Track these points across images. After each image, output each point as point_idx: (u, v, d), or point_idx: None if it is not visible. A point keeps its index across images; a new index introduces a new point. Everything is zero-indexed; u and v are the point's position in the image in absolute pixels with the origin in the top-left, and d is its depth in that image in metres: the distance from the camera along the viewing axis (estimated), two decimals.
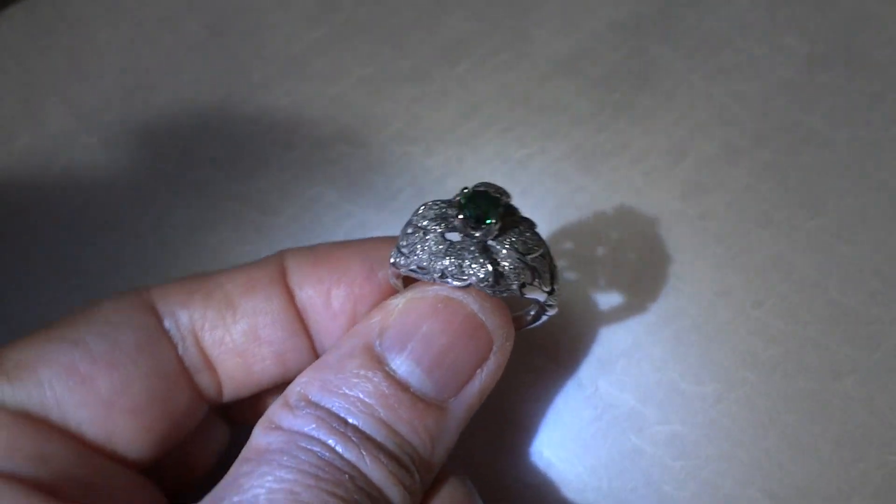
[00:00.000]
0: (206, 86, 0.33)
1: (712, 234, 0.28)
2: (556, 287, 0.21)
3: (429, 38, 0.32)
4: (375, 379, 0.21)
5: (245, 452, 0.20)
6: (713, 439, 0.26)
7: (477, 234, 0.20)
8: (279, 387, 0.24)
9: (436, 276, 0.20)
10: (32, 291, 0.31)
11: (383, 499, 0.20)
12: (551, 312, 0.22)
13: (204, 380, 0.23)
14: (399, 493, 0.20)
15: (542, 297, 0.21)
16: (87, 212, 0.32)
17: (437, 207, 0.21)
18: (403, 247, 0.21)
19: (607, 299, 0.28)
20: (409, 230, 0.21)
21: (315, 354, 0.24)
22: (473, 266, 0.20)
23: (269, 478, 0.19)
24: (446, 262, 0.20)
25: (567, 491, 0.26)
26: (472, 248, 0.20)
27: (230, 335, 0.23)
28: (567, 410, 0.27)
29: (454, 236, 0.21)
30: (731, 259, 0.28)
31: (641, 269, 0.28)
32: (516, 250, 0.20)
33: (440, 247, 0.21)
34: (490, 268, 0.20)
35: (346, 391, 0.20)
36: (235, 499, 0.19)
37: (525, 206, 0.29)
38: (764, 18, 0.31)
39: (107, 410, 0.21)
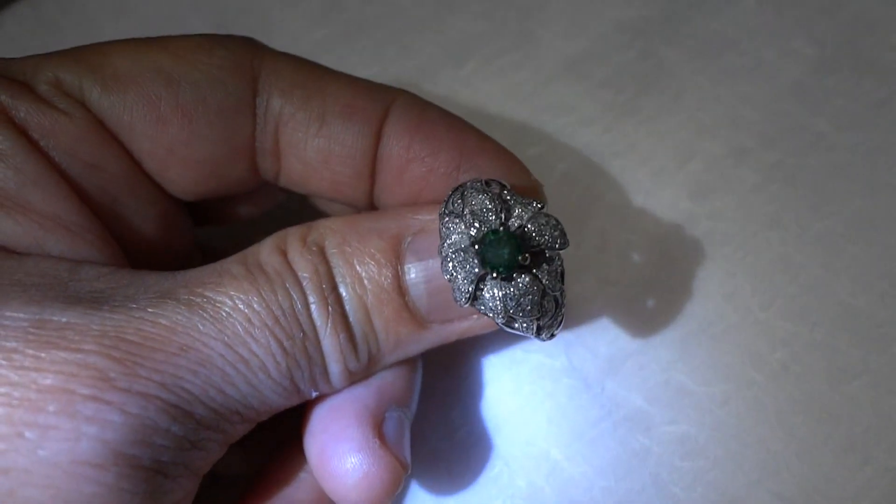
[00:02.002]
0: None
1: (720, 235, 0.28)
2: (545, 336, 0.21)
3: (435, 38, 0.32)
4: (384, 270, 0.21)
5: (248, 252, 0.21)
6: (721, 440, 0.26)
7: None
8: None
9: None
10: None
11: (322, 365, 0.21)
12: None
13: (266, 162, 0.23)
14: (339, 369, 0.21)
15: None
16: None
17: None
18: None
19: (615, 300, 0.28)
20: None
21: (370, 199, 0.24)
22: (462, 284, 0.20)
23: (242, 297, 0.20)
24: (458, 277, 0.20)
25: (575, 490, 0.26)
26: (473, 269, 0.20)
27: (305, 144, 0.23)
28: (575, 410, 0.27)
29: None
30: (738, 260, 0.28)
31: (649, 270, 0.28)
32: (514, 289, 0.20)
33: (458, 247, 0.20)
34: (469, 290, 0.20)
35: (355, 262, 0.21)
36: (209, 293, 0.20)
37: None
38: (771, 21, 0.31)
39: (167, 153, 0.22)
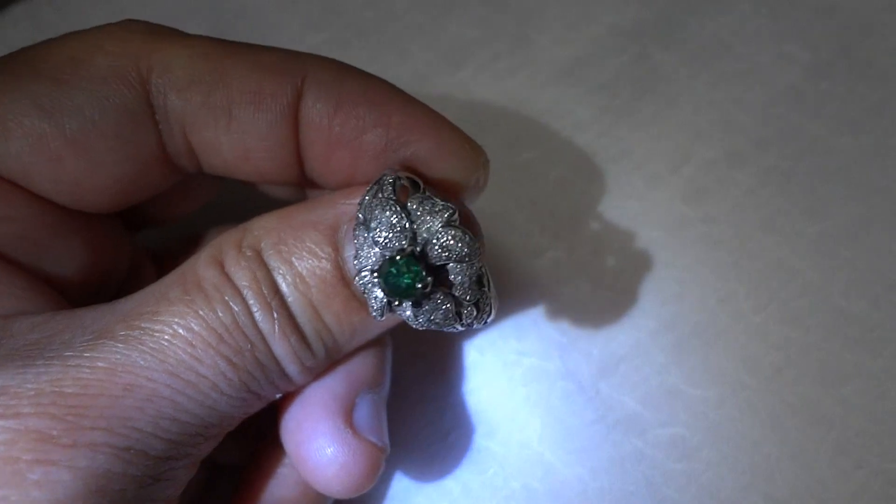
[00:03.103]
0: None
1: (714, 239, 0.28)
2: (478, 326, 0.21)
3: (431, 43, 0.32)
4: (324, 263, 0.20)
5: (186, 269, 0.20)
6: (714, 443, 0.26)
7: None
8: None
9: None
10: None
11: (278, 370, 0.20)
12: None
13: (183, 161, 0.22)
14: (296, 369, 0.21)
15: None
16: None
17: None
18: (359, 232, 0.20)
19: (609, 304, 0.28)
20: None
21: (302, 179, 0.22)
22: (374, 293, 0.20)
23: (179, 321, 0.19)
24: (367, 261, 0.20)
25: (569, 493, 0.26)
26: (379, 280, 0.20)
27: (218, 142, 0.21)
28: (569, 413, 0.27)
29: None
30: (733, 264, 0.28)
31: (643, 274, 0.28)
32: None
33: (368, 259, 0.20)
34: (380, 303, 0.20)
35: (294, 260, 0.20)
36: (145, 325, 0.19)
37: (525, 211, 0.29)
38: (766, 26, 0.31)
39: (74, 188, 0.20)
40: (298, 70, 0.21)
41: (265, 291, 0.20)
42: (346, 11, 0.33)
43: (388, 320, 0.21)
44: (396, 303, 0.20)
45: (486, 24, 0.32)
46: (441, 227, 0.19)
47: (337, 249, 0.20)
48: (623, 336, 0.27)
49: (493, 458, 0.27)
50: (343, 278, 0.20)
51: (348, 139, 0.21)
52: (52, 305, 0.21)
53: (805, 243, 0.28)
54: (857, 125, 0.29)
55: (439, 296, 0.20)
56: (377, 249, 0.19)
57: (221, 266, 0.20)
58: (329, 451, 0.21)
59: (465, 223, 0.20)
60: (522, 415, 0.27)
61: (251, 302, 0.20)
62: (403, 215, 0.19)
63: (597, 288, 0.28)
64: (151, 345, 0.19)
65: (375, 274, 0.20)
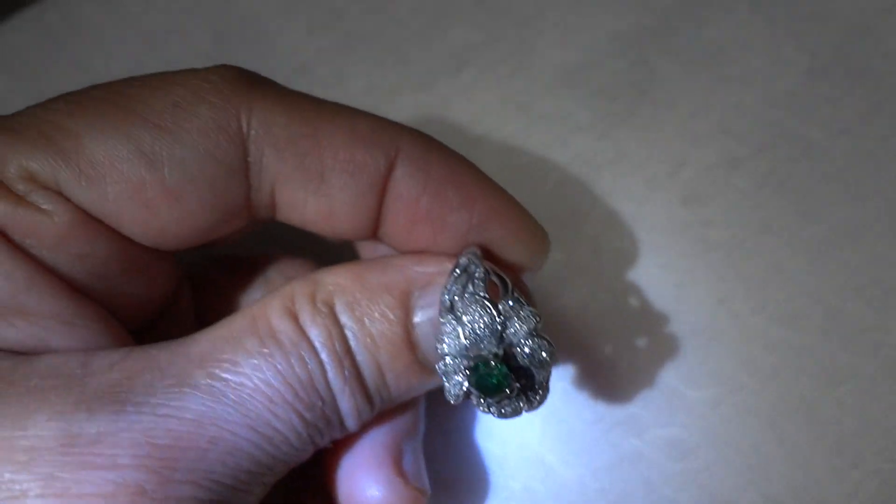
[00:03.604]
0: None
1: (712, 242, 0.29)
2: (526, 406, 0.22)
3: (433, 47, 0.33)
4: (395, 328, 0.21)
5: (257, 316, 0.21)
6: (712, 443, 0.26)
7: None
8: None
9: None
10: None
11: (339, 422, 0.22)
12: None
13: (262, 213, 0.22)
14: (354, 422, 0.22)
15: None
16: None
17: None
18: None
19: (608, 306, 0.28)
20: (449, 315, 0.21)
21: (374, 238, 0.23)
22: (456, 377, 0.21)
23: (260, 376, 0.20)
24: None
25: (569, 493, 0.27)
26: (463, 370, 0.21)
27: (304, 203, 0.22)
28: (568, 414, 0.27)
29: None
30: (730, 266, 0.28)
31: (641, 276, 0.28)
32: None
33: (454, 348, 0.21)
34: (461, 393, 0.21)
35: (366, 322, 0.21)
36: (226, 376, 0.20)
37: None
38: (763, 30, 0.32)
39: (157, 233, 0.21)
40: (392, 142, 0.21)
41: (338, 349, 0.21)
42: (348, 17, 0.34)
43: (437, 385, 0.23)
44: (474, 395, 0.21)
45: (487, 30, 0.33)
46: (528, 333, 0.21)
47: (408, 314, 0.22)
48: (622, 337, 0.28)
49: (492, 458, 0.27)
50: (409, 342, 0.22)
51: (433, 217, 0.22)
52: (119, 337, 0.21)
53: (802, 245, 0.28)
54: (853, 129, 0.29)
55: (515, 392, 0.21)
56: (465, 342, 0.21)
57: (296, 319, 0.21)
58: (381, 498, 0.23)
59: (524, 295, 0.21)
60: (522, 416, 0.27)
61: (325, 359, 0.21)
62: (496, 316, 0.21)
63: (595, 290, 0.29)
64: (233, 397, 0.20)
65: (455, 365, 0.21)
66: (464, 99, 0.32)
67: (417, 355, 0.22)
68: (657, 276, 0.28)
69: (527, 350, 0.21)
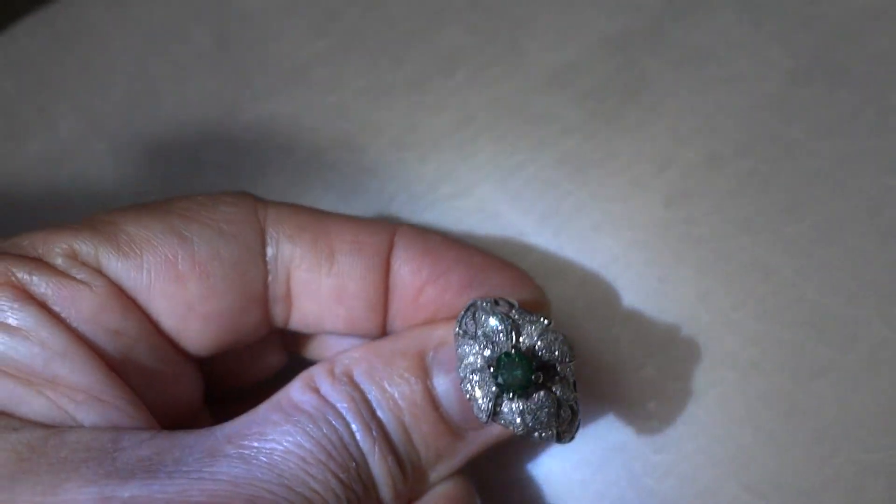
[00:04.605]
0: (211, 93, 0.34)
1: (695, 239, 0.29)
2: (564, 440, 0.22)
3: (425, 49, 0.33)
4: (415, 387, 0.22)
5: (280, 398, 0.22)
6: (693, 435, 0.27)
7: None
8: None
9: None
10: None
11: (375, 494, 0.22)
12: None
13: (278, 308, 0.24)
14: (389, 493, 0.22)
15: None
16: (94, 214, 0.33)
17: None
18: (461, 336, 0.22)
19: (593, 301, 0.29)
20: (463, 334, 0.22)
21: (383, 330, 0.24)
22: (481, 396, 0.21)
23: (290, 439, 0.20)
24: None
25: (553, 483, 0.27)
26: (490, 387, 0.21)
27: (318, 284, 0.23)
28: None
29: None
30: (712, 263, 0.29)
31: (626, 272, 0.29)
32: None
33: (475, 367, 0.22)
34: (489, 407, 0.21)
35: (386, 385, 0.22)
36: (256, 444, 0.20)
37: (515, 211, 0.30)
38: (749, 34, 0.32)
39: (186, 310, 0.22)
40: (390, 228, 0.24)
41: (363, 412, 0.21)
42: (345, 18, 0.35)
43: (475, 444, 0.23)
44: (502, 405, 0.21)
45: (479, 32, 0.33)
46: (541, 332, 0.22)
47: (426, 374, 0.22)
48: (606, 331, 0.29)
49: None
50: (432, 401, 0.22)
51: (437, 277, 0.23)
52: (149, 424, 0.22)
53: (782, 243, 0.29)
54: (835, 130, 0.30)
55: (544, 394, 0.21)
56: (484, 352, 0.21)
57: (317, 391, 0.22)
58: None
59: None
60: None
61: (352, 421, 0.21)
62: (507, 319, 0.22)
63: (582, 285, 0.29)
64: (266, 460, 0.20)
65: (480, 376, 0.21)
66: (456, 99, 0.32)
67: (442, 414, 0.22)
68: (641, 273, 0.29)
69: (543, 345, 0.21)
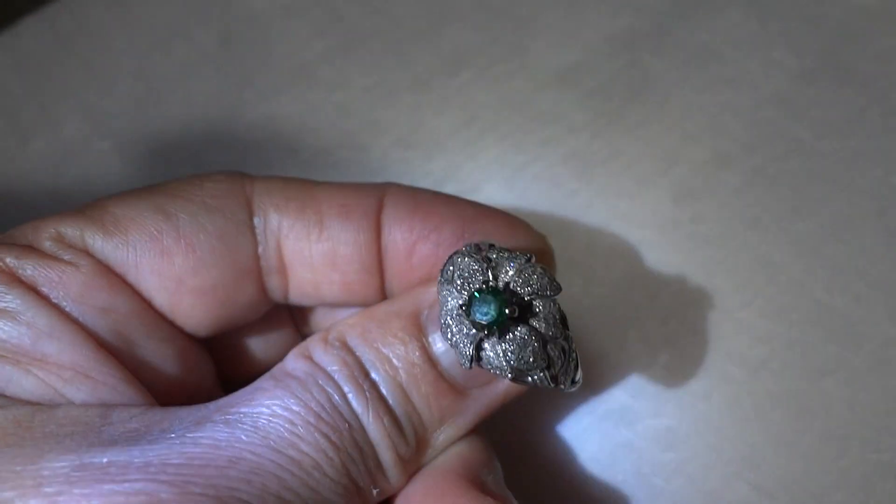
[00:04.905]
0: (215, 93, 0.34)
1: (702, 238, 0.29)
2: (565, 385, 0.21)
3: (430, 49, 0.33)
4: (410, 346, 0.21)
5: (274, 369, 0.22)
6: (701, 434, 0.27)
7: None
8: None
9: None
10: None
11: (374, 456, 0.21)
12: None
13: (273, 281, 0.24)
14: (390, 456, 0.21)
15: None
16: None
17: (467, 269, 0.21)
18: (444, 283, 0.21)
19: (601, 300, 0.29)
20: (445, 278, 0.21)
21: (383, 293, 0.24)
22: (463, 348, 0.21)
23: (278, 402, 0.20)
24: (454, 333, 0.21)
25: (560, 482, 0.27)
26: (470, 330, 0.21)
27: (310, 251, 0.23)
28: (560, 405, 0.28)
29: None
30: (720, 261, 0.29)
31: (633, 272, 0.29)
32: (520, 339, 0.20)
33: (455, 312, 0.21)
34: (469, 352, 0.20)
35: (380, 347, 0.21)
36: (243, 409, 0.20)
37: (521, 211, 0.30)
38: (755, 33, 0.32)
39: (176, 285, 0.22)
40: (378, 189, 0.24)
41: (356, 374, 0.21)
42: (349, 18, 0.35)
43: (482, 402, 0.22)
44: (484, 349, 0.20)
45: (484, 31, 0.33)
46: (518, 269, 0.21)
47: (421, 332, 0.22)
48: (613, 330, 0.28)
49: None
50: (430, 359, 0.22)
51: (428, 232, 0.23)
52: (143, 402, 0.22)
53: (789, 241, 0.29)
54: (841, 129, 0.30)
55: (525, 330, 0.20)
56: (461, 295, 0.21)
57: (310, 358, 0.21)
58: None
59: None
60: (514, 407, 0.28)
61: (343, 384, 0.21)
62: (481, 259, 0.21)
63: (589, 285, 0.29)
64: (251, 424, 0.20)
65: (458, 320, 0.20)
66: (460, 98, 0.32)
67: (442, 372, 0.22)
68: (648, 271, 0.29)
69: (521, 280, 0.21)
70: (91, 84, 0.35)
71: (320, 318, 0.26)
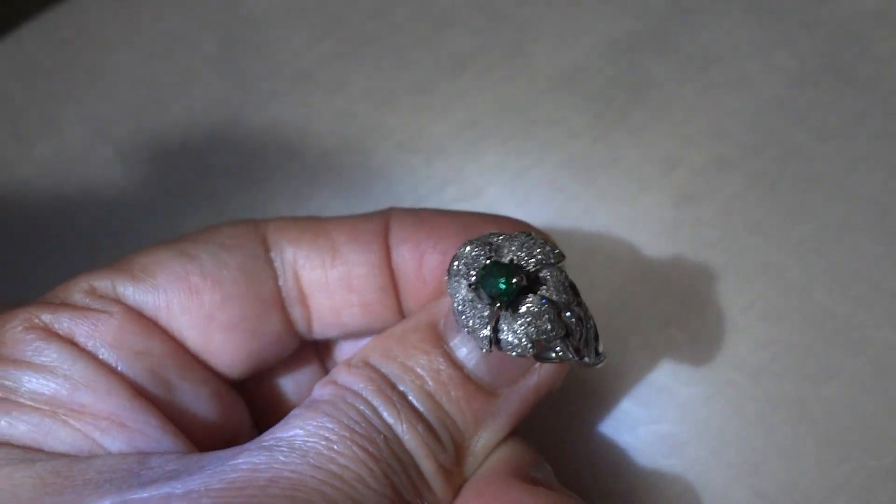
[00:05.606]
0: (217, 98, 0.34)
1: (703, 241, 0.29)
2: (589, 357, 0.21)
3: (431, 52, 0.33)
4: (432, 354, 0.22)
5: (303, 403, 0.22)
6: (703, 439, 0.27)
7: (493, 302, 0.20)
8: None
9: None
10: None
11: (414, 466, 0.21)
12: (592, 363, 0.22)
13: (296, 312, 0.24)
14: (430, 465, 0.21)
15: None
16: (100, 219, 0.33)
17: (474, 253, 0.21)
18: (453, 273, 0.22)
19: (602, 304, 0.29)
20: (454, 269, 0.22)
21: (401, 313, 0.25)
22: (481, 331, 0.21)
23: (313, 422, 0.20)
24: (468, 321, 0.21)
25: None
26: (483, 312, 0.21)
27: (326, 277, 0.24)
28: (561, 409, 0.28)
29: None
30: (721, 265, 0.29)
31: (634, 276, 0.29)
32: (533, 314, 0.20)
33: (467, 300, 0.21)
34: (487, 333, 0.20)
35: (403, 360, 0.22)
36: (278, 434, 0.20)
37: (522, 215, 0.30)
38: (755, 37, 0.32)
39: (206, 321, 0.23)
40: (383, 213, 0.25)
41: (383, 388, 0.21)
42: (350, 22, 0.35)
43: (515, 400, 0.22)
44: (503, 329, 0.20)
45: (485, 35, 0.33)
46: (521, 244, 0.21)
47: (442, 339, 0.22)
48: (615, 335, 0.28)
49: None
50: (455, 364, 0.22)
51: (434, 242, 0.24)
52: (181, 448, 0.22)
53: (790, 245, 0.29)
54: (842, 132, 0.30)
55: (538, 300, 0.20)
56: (469, 278, 0.21)
57: (335, 382, 0.22)
58: None
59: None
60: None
61: (372, 398, 0.21)
62: (483, 244, 0.21)
63: (591, 289, 0.29)
64: (288, 446, 0.20)
65: (470, 303, 0.21)
66: (461, 102, 0.32)
67: (469, 375, 0.22)
68: (650, 276, 0.29)
69: (524, 253, 0.21)
70: (93, 90, 0.35)
71: (347, 355, 0.27)
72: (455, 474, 0.22)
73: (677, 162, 0.30)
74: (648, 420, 0.28)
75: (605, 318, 0.29)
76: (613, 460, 0.27)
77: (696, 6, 0.33)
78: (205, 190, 0.33)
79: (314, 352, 0.27)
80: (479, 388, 0.22)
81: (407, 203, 0.31)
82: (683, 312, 0.28)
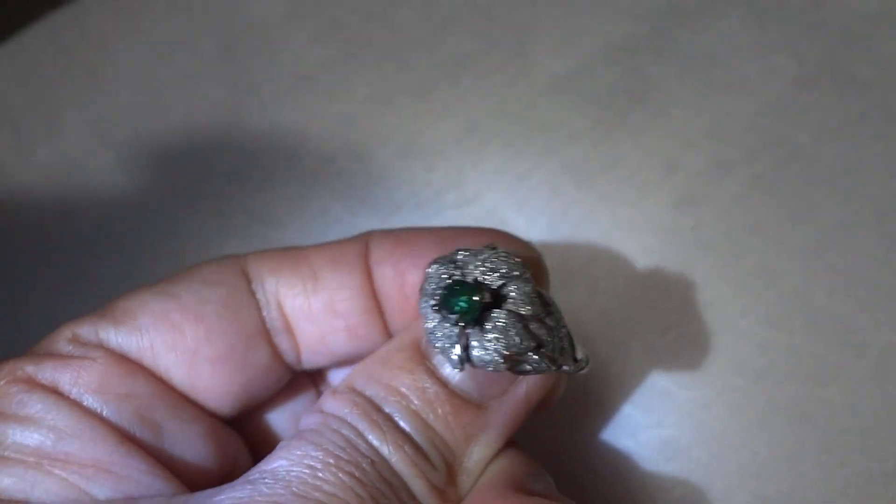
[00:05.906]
0: (217, 102, 0.34)
1: (703, 245, 0.29)
2: (567, 365, 0.21)
3: (431, 56, 0.33)
4: (416, 372, 0.21)
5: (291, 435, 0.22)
6: (703, 443, 0.27)
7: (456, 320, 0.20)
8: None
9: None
10: (48, 303, 0.32)
11: (405, 488, 0.21)
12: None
13: (283, 342, 0.24)
14: (422, 486, 0.21)
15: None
16: (101, 224, 0.33)
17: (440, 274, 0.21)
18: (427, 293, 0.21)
19: (603, 309, 0.29)
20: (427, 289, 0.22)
21: (386, 334, 0.24)
22: (450, 350, 0.20)
23: (297, 451, 0.20)
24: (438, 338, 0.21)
25: (561, 492, 0.27)
26: (449, 330, 0.20)
27: (309, 304, 0.24)
28: (562, 414, 0.28)
29: None
30: (721, 268, 0.29)
31: (635, 279, 0.29)
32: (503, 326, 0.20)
33: (436, 319, 0.21)
34: (457, 352, 0.20)
35: (388, 381, 0.21)
36: (262, 467, 0.20)
37: (522, 219, 0.30)
38: (755, 39, 0.32)
39: (191, 357, 0.23)
40: (361, 237, 0.24)
41: (368, 411, 0.21)
42: (349, 26, 0.35)
43: (504, 413, 0.22)
44: (473, 346, 0.20)
45: (484, 38, 0.33)
46: (485, 257, 0.21)
47: (425, 358, 0.22)
48: (615, 339, 0.28)
49: None
50: (440, 381, 0.22)
51: (414, 260, 0.23)
52: (170, 491, 0.22)
53: (791, 247, 0.29)
54: (842, 134, 0.30)
55: (503, 314, 0.20)
56: (434, 299, 0.20)
57: (321, 411, 0.22)
58: None
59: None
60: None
61: (357, 422, 0.21)
62: (448, 262, 0.21)
63: (591, 294, 0.29)
64: (271, 477, 0.20)
65: (439, 323, 0.20)
66: (461, 106, 0.32)
67: (454, 391, 0.22)
68: (650, 280, 0.29)
69: (488, 268, 0.21)
70: (94, 94, 0.35)
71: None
72: (449, 493, 0.22)
73: (677, 164, 0.30)
74: (649, 424, 0.28)
75: (606, 322, 0.29)
76: (614, 465, 0.27)
77: (696, 8, 0.33)
78: (205, 194, 0.33)
79: (310, 384, 0.26)
80: (467, 402, 0.22)
81: (407, 207, 0.31)
82: (684, 316, 0.28)
